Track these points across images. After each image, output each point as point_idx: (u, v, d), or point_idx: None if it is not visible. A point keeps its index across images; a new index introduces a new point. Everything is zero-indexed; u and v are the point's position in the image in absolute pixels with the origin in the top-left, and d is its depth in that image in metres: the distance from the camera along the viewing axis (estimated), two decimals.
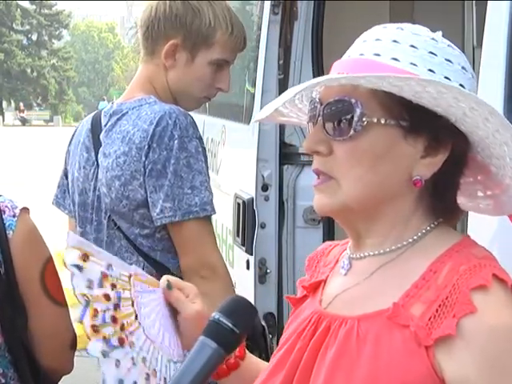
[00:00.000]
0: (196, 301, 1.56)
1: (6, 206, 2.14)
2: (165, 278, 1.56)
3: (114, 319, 1.46)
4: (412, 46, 1.31)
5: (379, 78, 1.24)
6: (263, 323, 2.87)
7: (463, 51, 4.46)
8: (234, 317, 1.32)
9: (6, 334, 2.09)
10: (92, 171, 2.54)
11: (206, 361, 1.29)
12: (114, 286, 1.48)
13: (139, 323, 1.48)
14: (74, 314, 1.48)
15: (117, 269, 1.50)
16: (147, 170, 2.38)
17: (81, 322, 1.44)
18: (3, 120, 58.53)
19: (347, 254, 1.42)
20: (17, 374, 2.13)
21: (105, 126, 2.53)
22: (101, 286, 1.47)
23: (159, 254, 2.46)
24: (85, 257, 1.47)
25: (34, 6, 69.84)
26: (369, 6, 4.85)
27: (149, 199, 2.39)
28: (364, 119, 1.29)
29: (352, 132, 1.30)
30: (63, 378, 2.28)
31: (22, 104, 62.03)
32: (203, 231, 2.41)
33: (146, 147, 2.38)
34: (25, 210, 2.17)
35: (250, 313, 1.37)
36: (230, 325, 1.31)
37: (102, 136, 2.52)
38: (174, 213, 2.37)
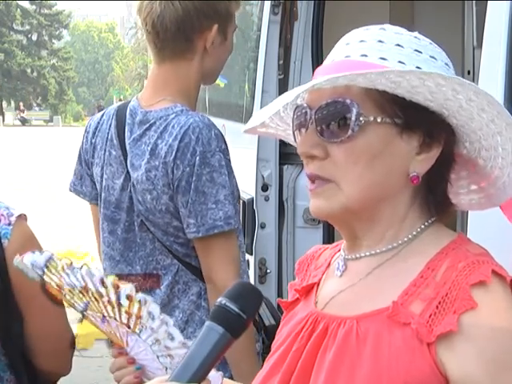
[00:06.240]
0: None
1: (2, 214, 2.12)
2: None
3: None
4: (398, 45, 1.32)
5: (379, 75, 1.24)
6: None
7: (463, 51, 4.45)
8: (241, 301, 1.30)
9: (3, 340, 2.08)
10: (120, 170, 2.53)
11: (213, 346, 1.27)
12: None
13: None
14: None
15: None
16: (174, 186, 2.39)
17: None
18: (3, 120, 58.52)
19: (341, 255, 1.41)
20: (14, 376, 2.13)
21: (130, 131, 2.50)
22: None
23: (194, 259, 2.47)
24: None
25: (34, 6, 69.83)
26: (369, 6, 4.85)
27: (180, 213, 2.41)
28: (361, 118, 1.29)
29: (350, 132, 1.29)
30: (64, 377, 2.28)
31: (21, 104, 62.01)
32: (224, 245, 2.41)
33: (172, 163, 2.38)
34: (21, 217, 2.14)
35: (256, 298, 1.35)
36: (236, 309, 1.29)
37: (128, 142, 2.50)
38: (198, 229, 2.37)
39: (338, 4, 4.45)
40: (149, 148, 2.44)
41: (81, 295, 1.50)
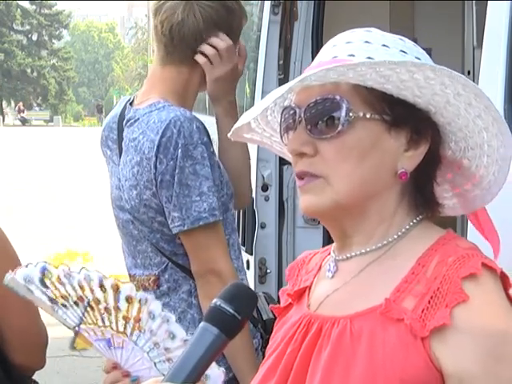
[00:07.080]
0: None
1: None
2: None
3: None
4: (384, 46, 1.34)
5: (370, 67, 1.26)
6: None
7: (463, 51, 4.45)
8: (235, 302, 1.30)
9: None
10: (115, 168, 2.56)
11: (207, 347, 1.27)
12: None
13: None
14: None
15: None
16: (158, 182, 2.39)
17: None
18: (3, 120, 58.57)
19: (332, 257, 1.42)
20: None
21: (121, 130, 2.54)
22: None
23: (181, 258, 2.47)
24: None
25: (34, 6, 69.88)
26: (369, 6, 4.86)
27: (164, 209, 2.42)
28: (351, 114, 1.31)
29: (340, 127, 1.31)
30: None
31: (21, 104, 62.04)
32: (212, 237, 2.41)
33: (154, 158, 2.39)
34: None
35: (251, 298, 1.36)
36: (231, 310, 1.29)
37: (121, 141, 2.54)
38: (183, 222, 2.38)
39: (337, 4, 4.45)
40: (133, 144, 2.46)
41: (75, 306, 1.48)
